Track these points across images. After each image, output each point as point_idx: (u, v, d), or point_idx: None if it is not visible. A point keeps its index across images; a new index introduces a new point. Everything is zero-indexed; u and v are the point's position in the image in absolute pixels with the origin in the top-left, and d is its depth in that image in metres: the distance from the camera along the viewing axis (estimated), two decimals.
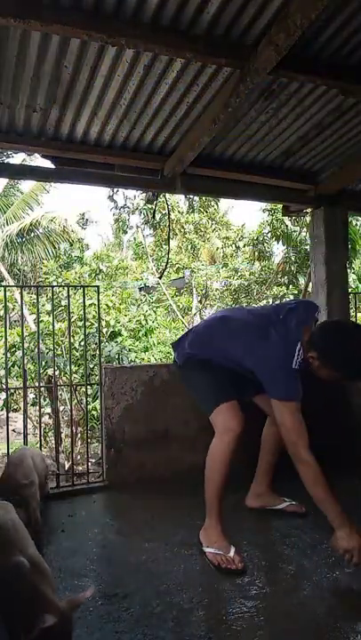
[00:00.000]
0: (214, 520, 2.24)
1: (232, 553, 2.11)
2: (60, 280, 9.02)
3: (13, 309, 8.60)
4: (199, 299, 13.65)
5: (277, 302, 2.56)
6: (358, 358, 1.97)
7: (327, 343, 2.05)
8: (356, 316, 4.61)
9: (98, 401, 4.46)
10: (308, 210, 4.18)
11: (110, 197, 9.36)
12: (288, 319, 2.19)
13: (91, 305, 5.60)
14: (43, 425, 5.35)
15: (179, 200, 12.28)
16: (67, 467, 5.02)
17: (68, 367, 4.30)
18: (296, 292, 10.43)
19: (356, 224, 9.33)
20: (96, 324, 4.58)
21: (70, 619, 1.41)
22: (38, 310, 3.50)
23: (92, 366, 5.36)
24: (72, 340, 5.40)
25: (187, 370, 2.47)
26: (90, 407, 4.92)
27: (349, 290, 4.74)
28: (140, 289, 12.70)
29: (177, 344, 2.55)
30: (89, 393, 4.57)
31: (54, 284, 8.61)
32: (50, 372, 5.14)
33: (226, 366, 2.35)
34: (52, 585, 1.50)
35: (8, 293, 6.64)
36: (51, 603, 1.38)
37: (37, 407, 4.82)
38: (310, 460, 2.01)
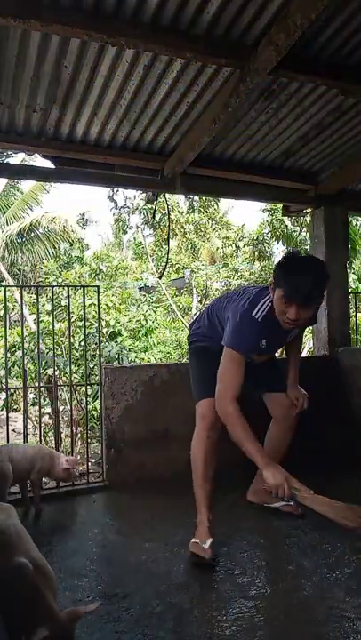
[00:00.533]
0: (202, 515, 2.26)
1: (207, 544, 2.13)
2: (60, 280, 9.01)
3: (13, 309, 8.59)
4: (199, 299, 13.63)
5: None
6: (297, 273, 2.02)
7: (277, 265, 2.18)
8: (356, 316, 4.61)
9: (98, 401, 4.45)
10: (308, 210, 4.18)
11: (110, 197, 9.35)
12: (261, 288, 2.29)
13: (91, 305, 5.59)
14: (43, 425, 5.34)
15: (179, 200, 12.28)
16: None
17: (68, 367, 4.30)
18: None
19: (357, 224, 9.33)
20: (96, 324, 4.58)
21: (69, 630, 1.39)
22: (38, 310, 3.50)
23: (92, 366, 5.35)
24: (72, 340, 5.39)
25: (190, 353, 2.60)
26: (90, 407, 4.92)
27: (349, 290, 4.73)
28: (140, 289, 12.68)
29: (191, 324, 2.68)
30: (89, 393, 4.57)
31: (54, 283, 8.60)
32: (50, 371, 5.14)
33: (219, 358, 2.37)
34: (55, 589, 1.48)
35: (8, 293, 6.64)
36: (51, 611, 1.36)
37: (37, 407, 4.82)
38: (234, 412, 2.04)
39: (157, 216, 10.03)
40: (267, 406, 2.63)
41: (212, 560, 2.10)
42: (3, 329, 5.19)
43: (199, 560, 2.11)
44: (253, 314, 2.14)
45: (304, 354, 10.02)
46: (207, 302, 13.37)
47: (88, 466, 3.29)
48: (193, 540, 2.19)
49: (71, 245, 14.69)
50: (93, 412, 5.33)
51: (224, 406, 2.08)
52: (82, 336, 5.44)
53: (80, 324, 5.77)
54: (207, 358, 2.42)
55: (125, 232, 12.71)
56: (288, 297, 2.01)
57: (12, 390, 5.71)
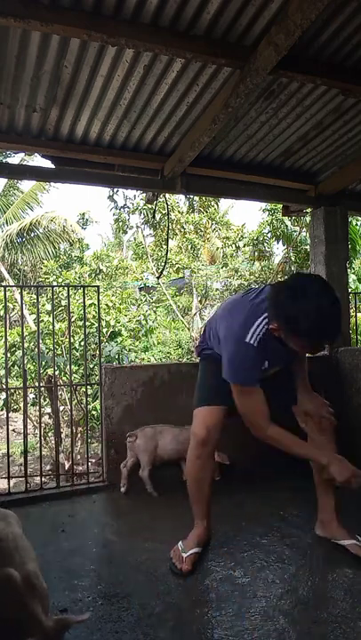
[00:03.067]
0: (197, 520, 2.25)
1: (187, 554, 2.10)
2: (60, 280, 9.01)
3: (13, 309, 8.60)
4: (199, 299, 13.62)
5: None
6: (317, 320, 1.69)
7: (283, 309, 1.76)
8: (356, 316, 4.61)
9: (98, 401, 4.46)
10: (308, 210, 4.18)
11: (110, 197, 9.34)
12: (260, 297, 1.97)
13: (91, 305, 5.60)
14: (43, 425, 5.35)
15: (179, 200, 12.25)
16: (67, 467, 5.03)
17: (68, 367, 4.30)
18: None
19: (357, 224, 9.32)
20: (96, 324, 4.57)
21: (57, 638, 1.36)
22: (38, 310, 3.50)
23: (92, 366, 5.36)
24: (72, 340, 5.40)
25: (200, 361, 2.41)
26: (90, 407, 4.92)
27: (349, 290, 4.74)
28: (140, 289, 12.68)
29: (202, 333, 2.46)
30: (89, 393, 4.57)
31: (54, 284, 8.61)
32: (50, 371, 5.14)
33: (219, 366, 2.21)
34: (45, 603, 1.44)
35: (8, 293, 6.64)
36: (38, 622, 1.33)
37: (37, 407, 4.82)
38: (275, 434, 1.93)
39: (157, 216, 10.02)
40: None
41: (185, 574, 2.03)
42: (3, 329, 5.19)
43: (174, 567, 2.08)
44: (248, 340, 1.87)
45: None
46: (207, 302, 13.39)
47: (88, 466, 3.29)
48: (179, 544, 2.17)
49: (71, 245, 14.70)
50: (93, 412, 5.33)
51: (261, 434, 1.95)
52: (82, 336, 5.44)
53: (80, 323, 5.78)
54: (209, 366, 2.26)
55: (125, 232, 12.68)
56: (318, 346, 1.90)
57: (12, 390, 5.72)
